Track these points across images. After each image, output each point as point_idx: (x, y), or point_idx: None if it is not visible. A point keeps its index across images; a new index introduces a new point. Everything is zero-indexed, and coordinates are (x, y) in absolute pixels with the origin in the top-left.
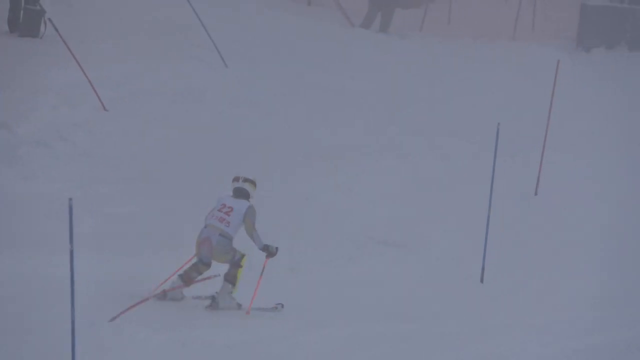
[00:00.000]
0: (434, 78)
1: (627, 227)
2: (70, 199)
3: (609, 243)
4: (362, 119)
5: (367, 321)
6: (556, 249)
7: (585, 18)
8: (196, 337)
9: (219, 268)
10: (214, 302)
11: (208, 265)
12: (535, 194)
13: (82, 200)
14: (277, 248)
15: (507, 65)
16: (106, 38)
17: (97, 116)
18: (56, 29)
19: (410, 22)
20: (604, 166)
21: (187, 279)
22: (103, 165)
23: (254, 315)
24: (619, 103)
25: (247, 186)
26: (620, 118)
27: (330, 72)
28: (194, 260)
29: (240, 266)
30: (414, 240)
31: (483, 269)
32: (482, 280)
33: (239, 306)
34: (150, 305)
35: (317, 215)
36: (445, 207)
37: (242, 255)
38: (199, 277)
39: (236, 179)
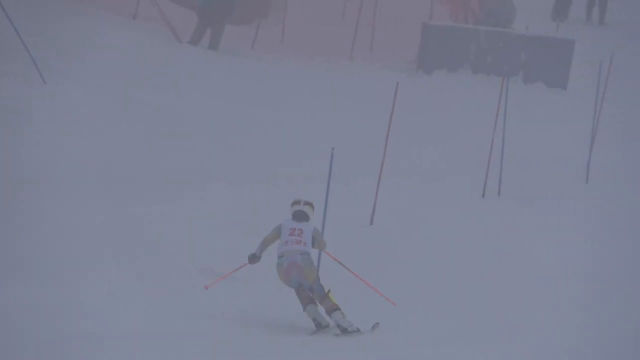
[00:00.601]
0: (266, 99)
1: (461, 257)
2: None
3: (444, 275)
4: (191, 142)
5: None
6: (387, 282)
7: (427, 39)
8: None
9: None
10: (342, 330)
11: (303, 287)
12: (371, 223)
13: None
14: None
15: (344, 87)
16: None
17: None
18: None
19: (242, 39)
20: (444, 192)
21: (310, 300)
22: None
23: None
24: (460, 126)
25: (307, 209)
26: (461, 141)
27: (156, 91)
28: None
29: (329, 290)
30: (244, 271)
31: None
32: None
33: (358, 329)
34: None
35: (147, 243)
36: None
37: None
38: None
39: (297, 202)
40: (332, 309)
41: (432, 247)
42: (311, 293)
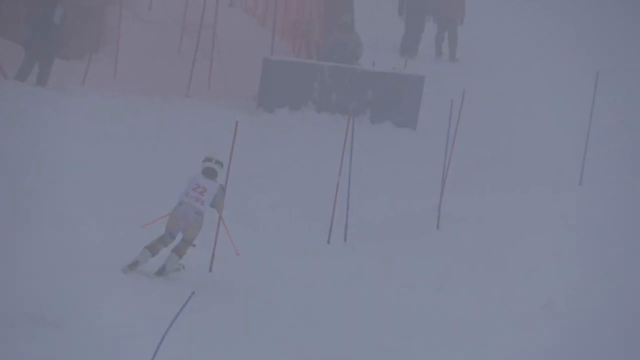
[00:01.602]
0: (96, 136)
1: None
2: None
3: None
4: (16, 180)
5: None
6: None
7: (268, 75)
8: None
9: None
10: (160, 269)
11: (174, 238)
12: (210, 270)
13: None
14: None
15: (180, 124)
16: None
17: None
18: None
19: (72, 74)
20: (287, 239)
21: (154, 250)
22: None
23: None
24: (302, 167)
25: (217, 167)
26: (304, 184)
27: None
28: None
29: (193, 245)
30: (72, 317)
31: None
32: None
33: (183, 266)
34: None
35: None
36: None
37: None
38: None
39: (209, 159)
40: (177, 251)
41: (286, 296)
42: (182, 238)
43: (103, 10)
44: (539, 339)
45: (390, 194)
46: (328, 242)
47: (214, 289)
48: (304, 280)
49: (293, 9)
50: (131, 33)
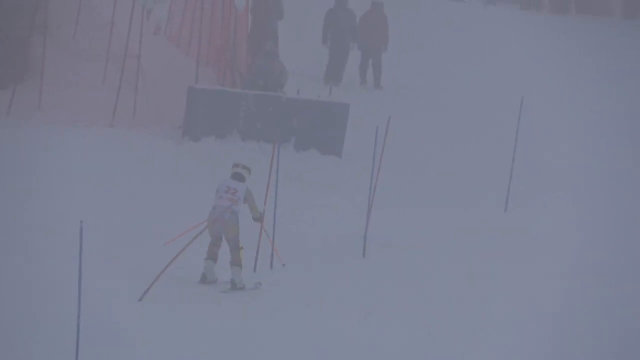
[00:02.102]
0: (21, 168)
1: None
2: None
3: None
4: None
5: None
6: None
7: (193, 103)
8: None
9: None
10: (232, 285)
11: (221, 239)
12: None
13: None
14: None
15: (106, 154)
16: None
17: None
18: None
19: None
20: None
21: (213, 256)
22: None
23: None
24: None
25: (244, 172)
26: None
27: None
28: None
29: (241, 247)
30: None
31: None
32: None
33: (260, 283)
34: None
35: None
36: None
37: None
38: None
39: (236, 165)
40: (234, 263)
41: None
42: (227, 243)
43: (27, 40)
44: None
45: (316, 222)
46: (254, 270)
47: None
48: (235, 307)
49: (217, 36)
50: (56, 62)
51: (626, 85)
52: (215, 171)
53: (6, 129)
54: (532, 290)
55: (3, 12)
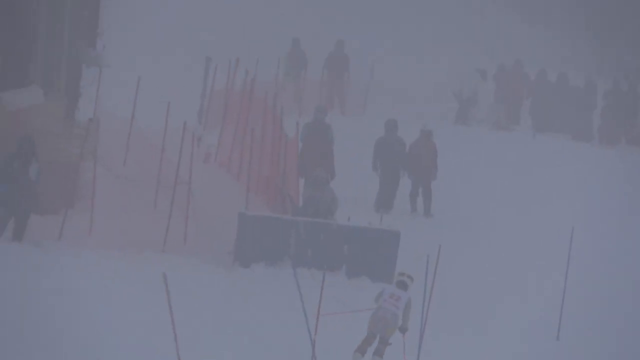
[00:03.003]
0: (72, 296)
1: None
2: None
3: None
4: None
5: None
6: None
7: (244, 229)
8: None
9: None
10: None
11: (375, 337)
12: None
13: None
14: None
15: (155, 281)
16: None
17: None
18: None
19: (48, 230)
20: None
21: (362, 351)
22: None
23: None
24: (278, 326)
25: (408, 280)
26: (279, 343)
27: None
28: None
29: (390, 343)
30: None
31: None
32: None
33: None
34: None
35: None
36: None
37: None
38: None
39: (401, 274)
40: (378, 353)
41: None
42: (380, 339)
43: (77, 166)
44: None
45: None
46: None
47: None
48: None
49: (267, 163)
50: (106, 188)
51: None
52: (265, 299)
53: (56, 252)
54: None
55: (54, 139)
